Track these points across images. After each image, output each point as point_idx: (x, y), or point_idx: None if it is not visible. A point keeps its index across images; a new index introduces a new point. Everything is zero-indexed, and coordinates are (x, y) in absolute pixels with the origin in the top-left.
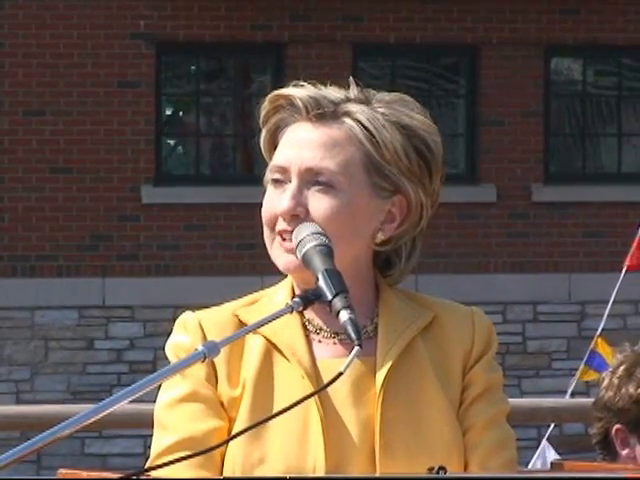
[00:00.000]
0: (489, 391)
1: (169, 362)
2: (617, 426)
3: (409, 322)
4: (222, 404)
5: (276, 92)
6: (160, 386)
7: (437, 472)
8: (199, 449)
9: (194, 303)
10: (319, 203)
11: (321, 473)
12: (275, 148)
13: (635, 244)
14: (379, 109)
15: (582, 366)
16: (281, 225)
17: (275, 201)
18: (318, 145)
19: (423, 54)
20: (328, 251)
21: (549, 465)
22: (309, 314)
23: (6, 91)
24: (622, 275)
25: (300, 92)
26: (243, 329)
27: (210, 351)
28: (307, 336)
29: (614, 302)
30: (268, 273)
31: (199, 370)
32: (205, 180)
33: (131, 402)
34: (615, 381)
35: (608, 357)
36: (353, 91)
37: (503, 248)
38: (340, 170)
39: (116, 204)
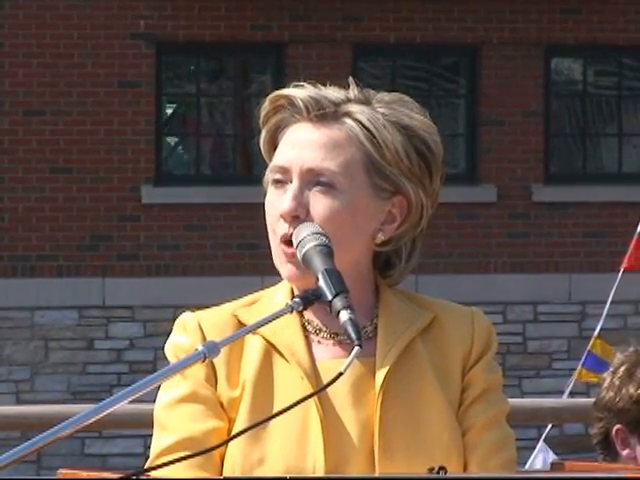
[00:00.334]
0: (489, 391)
1: (169, 362)
2: (617, 426)
3: (409, 323)
4: (222, 405)
5: (277, 92)
6: (159, 386)
7: (437, 472)
8: (198, 449)
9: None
10: (320, 204)
11: (320, 473)
12: (275, 148)
13: (632, 245)
14: (379, 109)
15: (579, 367)
16: (282, 227)
17: (276, 202)
18: (319, 146)
19: (423, 54)
20: (328, 251)
21: (549, 465)
22: (308, 315)
23: (6, 91)
24: (619, 276)
25: (301, 92)
26: (243, 329)
27: (210, 351)
28: (306, 337)
29: (615, 302)
30: (268, 273)
31: (199, 370)
32: (205, 180)
33: (131, 402)
34: (616, 381)
35: (605, 358)
36: (353, 91)
37: (503, 248)
38: (341, 171)
39: (116, 204)
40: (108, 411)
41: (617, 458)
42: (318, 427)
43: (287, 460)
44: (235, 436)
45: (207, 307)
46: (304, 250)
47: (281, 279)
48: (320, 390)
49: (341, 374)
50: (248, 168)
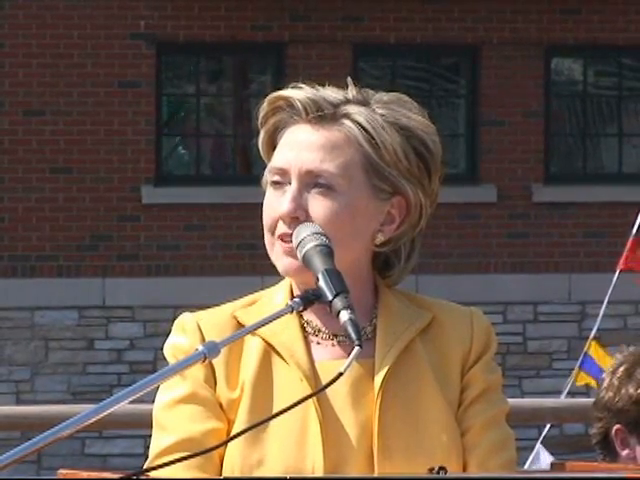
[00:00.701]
0: (488, 392)
1: (168, 363)
2: (617, 426)
3: (408, 324)
4: (221, 406)
5: (275, 94)
6: (159, 386)
7: (437, 472)
8: (198, 450)
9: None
10: (319, 205)
11: (319, 474)
12: (273, 149)
13: (628, 245)
14: (378, 110)
15: (576, 369)
16: (281, 228)
17: (275, 204)
18: (318, 147)
19: (423, 54)
20: (328, 251)
21: (549, 465)
22: (308, 315)
23: (6, 91)
24: (616, 276)
25: (299, 94)
26: (243, 329)
27: (210, 351)
28: (306, 338)
29: (614, 302)
30: (268, 273)
31: (198, 371)
32: (205, 180)
33: (131, 402)
34: (615, 381)
35: (600, 361)
36: (351, 92)
37: (503, 248)
38: (340, 172)
39: (116, 204)
40: (108, 411)
41: (616, 458)
42: (317, 428)
43: (286, 461)
44: (235, 437)
45: (207, 307)
46: (304, 250)
47: (280, 279)
48: (320, 390)
49: (341, 374)
50: (248, 168)
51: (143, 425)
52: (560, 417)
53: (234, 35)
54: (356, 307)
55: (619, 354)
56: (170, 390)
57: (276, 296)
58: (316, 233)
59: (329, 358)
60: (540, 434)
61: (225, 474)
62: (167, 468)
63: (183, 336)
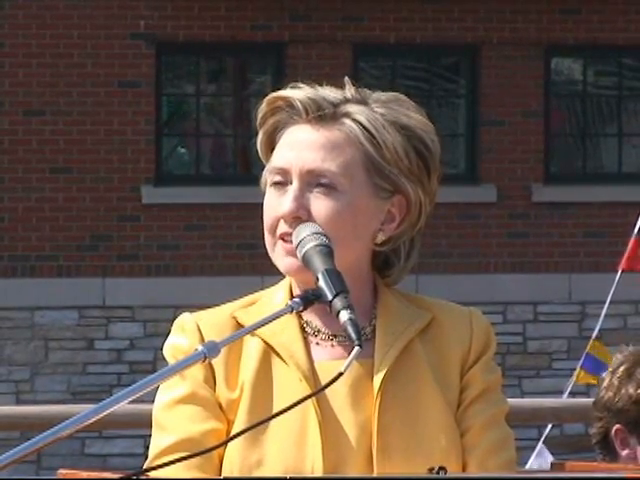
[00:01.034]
0: (487, 392)
1: (167, 363)
2: (617, 426)
3: (407, 324)
4: (220, 406)
5: (274, 94)
6: (159, 386)
7: (437, 472)
8: (197, 450)
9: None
10: (321, 205)
11: (319, 474)
12: (272, 150)
13: (630, 245)
14: (377, 109)
15: (578, 369)
16: (282, 228)
17: (276, 204)
18: (318, 147)
19: (423, 54)
20: (328, 251)
21: (549, 465)
22: (307, 316)
23: (6, 91)
24: (618, 276)
25: (299, 94)
26: (243, 329)
27: (210, 351)
28: (305, 338)
29: (615, 302)
30: (268, 273)
31: (197, 371)
32: (205, 180)
33: (131, 402)
34: (615, 381)
35: (603, 359)
36: (350, 91)
37: (503, 248)
38: (341, 172)
39: (116, 204)
40: (108, 411)
41: (616, 458)
42: (316, 428)
43: (285, 461)
44: (234, 437)
45: (207, 307)
46: (304, 250)
47: (280, 279)
48: (319, 390)
49: (341, 374)
50: (248, 168)
51: (143, 425)
52: (560, 417)
53: (234, 35)
54: (356, 307)
55: (619, 354)
56: (170, 390)
57: (276, 296)
58: (316, 233)
59: (328, 358)
60: (540, 434)
61: (225, 474)
62: (167, 468)
63: (182, 336)
